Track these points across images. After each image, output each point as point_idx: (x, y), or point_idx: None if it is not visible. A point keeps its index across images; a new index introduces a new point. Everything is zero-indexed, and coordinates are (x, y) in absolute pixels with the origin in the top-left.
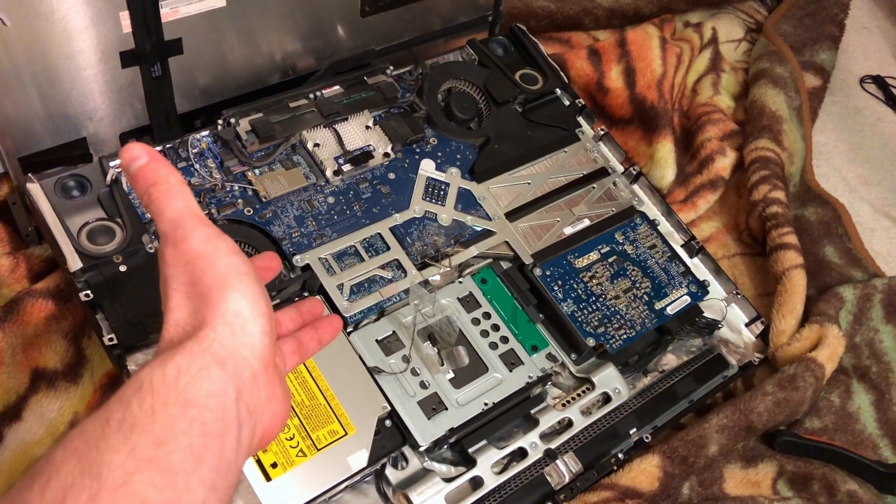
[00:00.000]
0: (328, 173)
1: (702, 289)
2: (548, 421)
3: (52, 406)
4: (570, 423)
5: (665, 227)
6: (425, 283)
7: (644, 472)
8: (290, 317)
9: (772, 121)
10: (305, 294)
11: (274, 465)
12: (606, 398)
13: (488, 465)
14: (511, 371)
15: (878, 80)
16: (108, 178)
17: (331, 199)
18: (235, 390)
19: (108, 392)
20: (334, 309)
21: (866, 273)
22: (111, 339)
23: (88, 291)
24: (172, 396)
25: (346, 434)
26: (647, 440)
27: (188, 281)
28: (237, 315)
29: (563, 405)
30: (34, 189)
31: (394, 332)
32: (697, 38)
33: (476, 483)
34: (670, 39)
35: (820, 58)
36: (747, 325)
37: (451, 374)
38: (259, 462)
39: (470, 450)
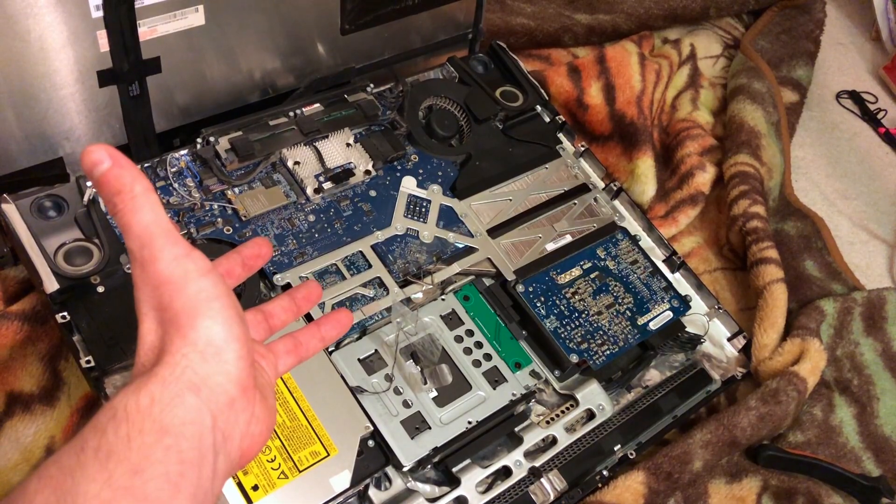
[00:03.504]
0: (309, 191)
1: (684, 304)
2: (532, 439)
3: (28, 430)
4: (554, 441)
5: (646, 242)
6: (407, 300)
7: (629, 489)
8: (283, 307)
9: (750, 136)
10: None
11: (255, 488)
12: (590, 415)
13: (472, 484)
14: (494, 389)
15: (854, 96)
16: (86, 198)
17: (311, 218)
18: (211, 417)
19: (86, 415)
20: None
21: (846, 286)
22: (88, 362)
23: (65, 313)
24: (148, 424)
25: (329, 455)
26: (631, 456)
27: (157, 306)
28: (209, 343)
29: (547, 422)
30: (9, 210)
31: (376, 350)
32: (676, 54)
33: (460, 503)
34: (649, 56)
35: (797, 73)
36: (729, 339)
37: (435, 393)
38: (240, 485)
39: (454, 469)
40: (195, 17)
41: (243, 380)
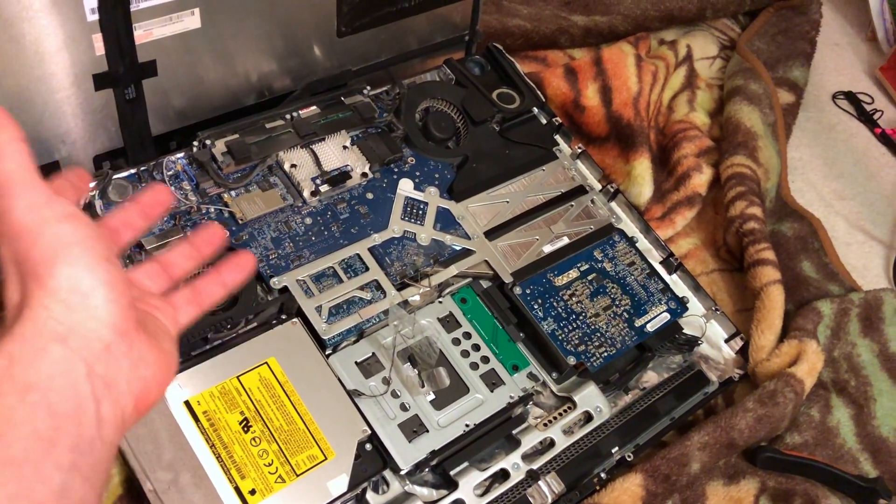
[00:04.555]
0: (305, 194)
1: (681, 305)
2: (529, 441)
3: None
4: (551, 443)
5: (643, 244)
6: (405, 303)
7: (626, 492)
8: (184, 254)
9: (747, 137)
10: (283, 317)
11: (252, 492)
12: (588, 417)
13: (470, 487)
14: (492, 391)
15: (850, 96)
16: (81, 202)
17: (308, 220)
18: (85, 365)
19: None
20: (312, 331)
21: (843, 287)
22: None
23: None
24: (7, 386)
25: (326, 459)
26: (629, 459)
27: (15, 259)
28: (72, 290)
29: (545, 425)
30: None
31: (373, 353)
32: (672, 55)
33: None
34: (645, 57)
35: (793, 74)
36: (727, 341)
37: (432, 396)
38: (237, 489)
39: (452, 472)
40: (191, 21)
41: (119, 323)
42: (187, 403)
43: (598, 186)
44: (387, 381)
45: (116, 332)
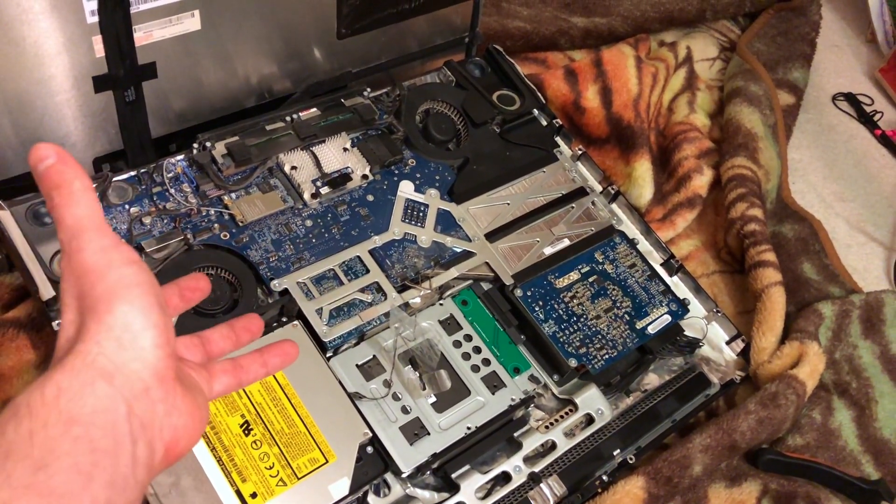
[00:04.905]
0: (306, 196)
1: (682, 307)
2: (531, 444)
3: None
4: (553, 446)
5: (644, 245)
6: (406, 305)
7: (629, 494)
8: (222, 334)
9: (747, 139)
10: (284, 319)
11: (254, 496)
12: (589, 419)
13: (472, 490)
14: (493, 394)
15: (850, 98)
16: None
17: (309, 223)
18: (126, 405)
19: None
20: (313, 333)
21: (844, 289)
22: None
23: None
24: (53, 417)
25: (327, 462)
26: (630, 461)
27: (78, 295)
28: (125, 329)
29: (547, 427)
30: (4, 216)
31: (374, 356)
32: (672, 57)
33: None
34: (645, 59)
35: (793, 76)
36: (728, 343)
37: (433, 399)
38: (238, 492)
39: (453, 475)
40: (191, 22)
41: (160, 369)
42: None
43: (599, 188)
44: (388, 384)
45: (156, 377)
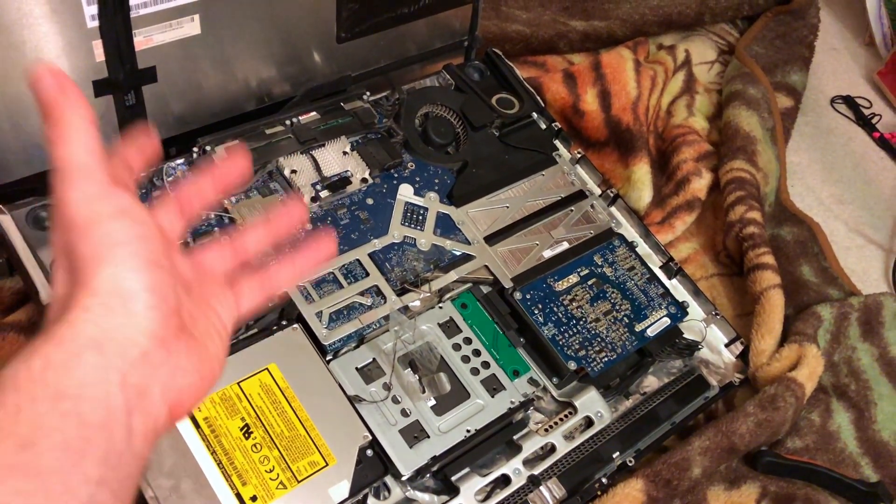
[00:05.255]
0: (305, 200)
1: (681, 310)
2: (531, 447)
3: None
4: (552, 449)
5: (643, 248)
6: (405, 308)
7: (628, 497)
8: (260, 234)
9: (746, 142)
10: (283, 323)
11: (254, 499)
12: (589, 422)
13: (472, 493)
14: (493, 397)
15: (849, 101)
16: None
17: (308, 226)
18: (119, 374)
19: None
20: (313, 337)
21: (842, 291)
22: None
23: None
24: (40, 391)
25: (327, 465)
26: (630, 464)
27: (66, 249)
28: (114, 293)
29: (546, 430)
30: (5, 220)
31: (374, 359)
32: (671, 60)
33: None
34: (644, 62)
35: (791, 79)
36: (727, 345)
37: (433, 402)
38: (238, 495)
39: (453, 478)
40: (191, 27)
41: (157, 331)
42: None
43: (598, 191)
44: (387, 387)
45: (154, 340)
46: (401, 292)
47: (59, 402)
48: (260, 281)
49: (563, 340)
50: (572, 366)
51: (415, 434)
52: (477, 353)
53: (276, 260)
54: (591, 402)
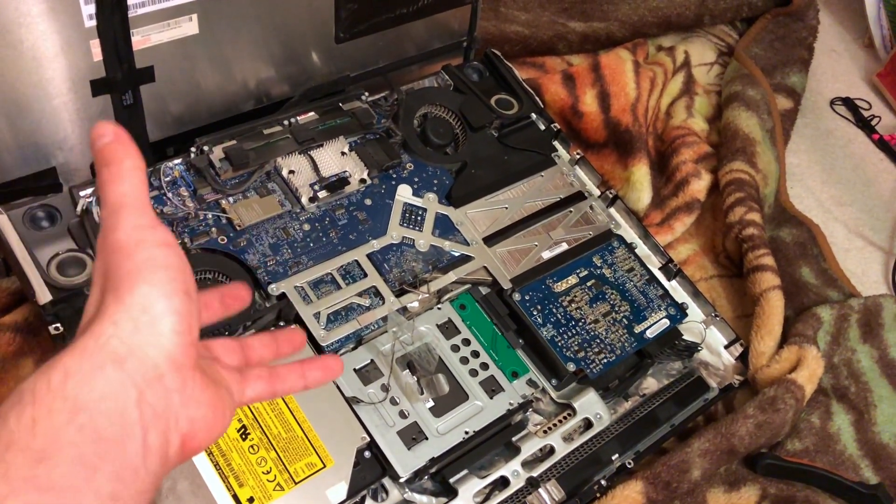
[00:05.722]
0: (304, 200)
1: (680, 311)
2: (529, 448)
3: None
4: (551, 451)
5: (642, 249)
6: (403, 309)
7: (627, 499)
8: (263, 343)
9: (745, 143)
10: (282, 324)
11: (251, 500)
12: (588, 424)
13: (470, 495)
14: (491, 398)
15: (848, 102)
16: (79, 209)
17: (306, 227)
18: (136, 391)
19: None
20: (311, 338)
21: (842, 293)
22: None
23: (58, 324)
24: (58, 403)
25: (325, 466)
26: (629, 466)
27: (106, 273)
28: (144, 310)
29: (545, 432)
30: (2, 220)
31: (372, 360)
32: (670, 61)
33: None
34: (643, 63)
35: (791, 80)
36: (726, 347)
37: (431, 403)
38: (235, 497)
39: (451, 480)
40: (189, 26)
41: (177, 356)
42: None
43: (597, 192)
44: (385, 388)
45: (173, 365)
46: (399, 293)
47: (76, 415)
48: (269, 377)
49: (563, 342)
50: (571, 367)
51: (413, 435)
52: (476, 354)
53: (286, 367)
54: (590, 404)
